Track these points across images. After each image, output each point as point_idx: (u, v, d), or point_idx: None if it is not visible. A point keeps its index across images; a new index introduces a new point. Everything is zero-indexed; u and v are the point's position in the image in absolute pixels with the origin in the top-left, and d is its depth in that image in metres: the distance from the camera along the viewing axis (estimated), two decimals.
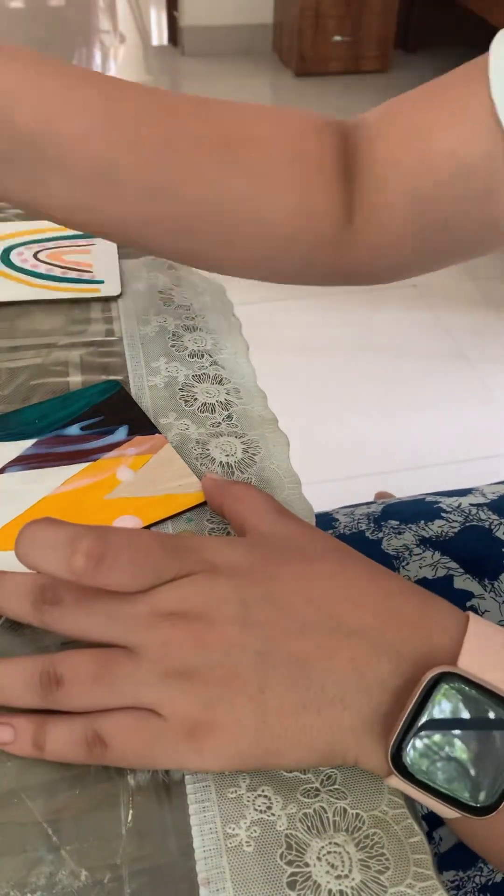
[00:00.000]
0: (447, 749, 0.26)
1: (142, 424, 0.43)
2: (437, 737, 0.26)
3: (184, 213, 0.35)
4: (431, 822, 0.46)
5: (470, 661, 0.26)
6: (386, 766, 0.27)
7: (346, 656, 0.27)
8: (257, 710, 0.27)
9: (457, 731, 0.26)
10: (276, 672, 0.27)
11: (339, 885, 0.26)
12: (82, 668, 0.28)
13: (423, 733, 0.26)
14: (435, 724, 0.26)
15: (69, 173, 0.33)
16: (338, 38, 2.96)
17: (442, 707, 0.26)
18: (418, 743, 0.26)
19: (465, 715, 0.26)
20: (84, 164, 0.33)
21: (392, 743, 0.26)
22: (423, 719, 0.26)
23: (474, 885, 0.43)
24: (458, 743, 0.26)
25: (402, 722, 0.26)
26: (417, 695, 0.26)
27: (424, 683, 0.26)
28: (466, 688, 0.26)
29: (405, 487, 1.37)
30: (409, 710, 0.26)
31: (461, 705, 0.26)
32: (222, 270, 0.39)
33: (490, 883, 0.43)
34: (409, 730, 0.26)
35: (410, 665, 0.27)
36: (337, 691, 0.27)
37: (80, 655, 0.28)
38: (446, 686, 0.26)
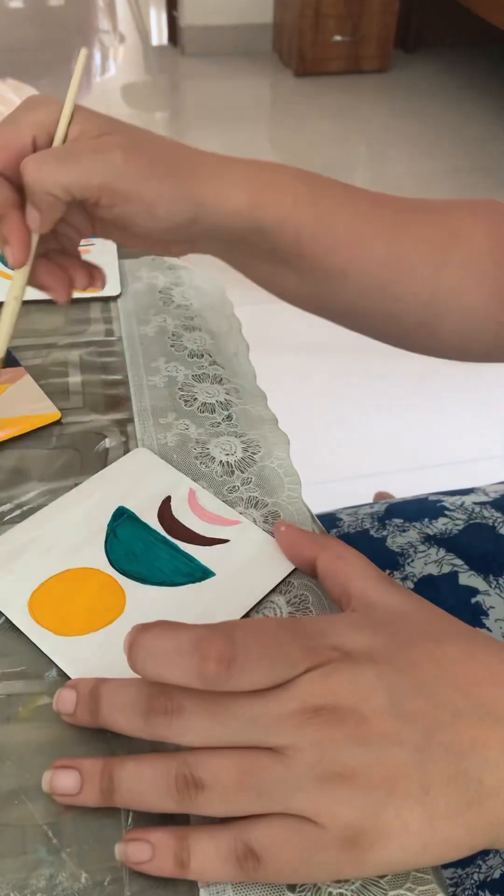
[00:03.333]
0: None
1: (7, 359, 0.46)
2: None
3: (397, 306, 0.39)
4: None
5: None
6: None
7: (497, 746, 0.26)
8: (424, 813, 0.25)
9: None
10: (436, 768, 0.25)
11: (340, 888, 0.26)
12: (224, 773, 0.25)
13: None
14: None
15: (307, 276, 0.39)
16: (338, 38, 2.96)
17: None
18: None
19: None
20: (320, 270, 0.38)
21: None
22: None
23: (473, 881, 0.43)
24: None
25: None
26: None
27: None
28: None
29: (405, 487, 1.37)
30: None
31: None
32: (421, 350, 0.43)
33: (488, 879, 0.43)
34: None
35: None
36: (493, 783, 0.26)
37: (221, 758, 0.26)
38: None
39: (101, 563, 0.36)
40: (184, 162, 0.36)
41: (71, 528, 0.38)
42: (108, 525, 0.38)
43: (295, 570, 0.36)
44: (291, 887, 0.26)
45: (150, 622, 0.27)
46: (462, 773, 0.25)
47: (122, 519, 0.38)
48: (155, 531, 0.38)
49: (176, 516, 0.39)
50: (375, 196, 0.39)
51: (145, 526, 0.38)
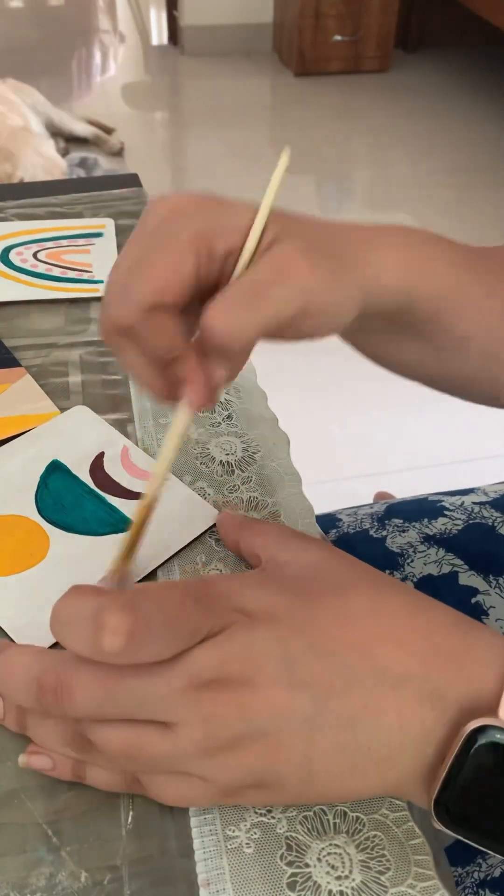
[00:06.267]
0: (490, 798, 0.25)
1: (3, 359, 0.47)
2: (478, 786, 0.25)
3: None
4: None
5: None
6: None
7: (393, 712, 0.26)
8: (304, 777, 0.26)
9: (499, 781, 0.25)
10: (323, 738, 0.26)
11: (340, 885, 0.26)
12: (113, 743, 0.26)
13: (464, 784, 0.25)
14: (476, 774, 0.25)
15: (432, 346, 0.36)
16: (338, 38, 2.96)
17: (482, 759, 0.25)
18: (460, 793, 0.25)
19: None
20: (444, 338, 0.35)
21: (433, 798, 0.25)
22: (463, 772, 0.25)
23: (473, 880, 0.43)
24: (500, 792, 0.25)
25: (441, 778, 0.25)
26: (456, 751, 0.25)
27: (463, 739, 0.25)
28: None
29: (405, 487, 1.37)
30: (447, 766, 0.25)
31: (502, 754, 0.25)
32: None
33: (488, 878, 0.43)
34: (448, 783, 0.25)
35: (455, 712, 0.26)
36: (384, 752, 0.26)
37: (111, 728, 0.26)
38: (486, 736, 0.25)
39: (31, 511, 0.38)
40: (346, 248, 0.31)
41: (6, 477, 0.40)
42: (41, 476, 0.40)
43: (214, 524, 0.38)
44: (291, 886, 0.26)
45: (74, 585, 0.26)
46: (350, 741, 0.26)
47: (55, 471, 0.40)
48: (85, 484, 0.40)
49: (107, 471, 0.40)
50: (480, 253, 0.37)
51: (76, 479, 0.40)
